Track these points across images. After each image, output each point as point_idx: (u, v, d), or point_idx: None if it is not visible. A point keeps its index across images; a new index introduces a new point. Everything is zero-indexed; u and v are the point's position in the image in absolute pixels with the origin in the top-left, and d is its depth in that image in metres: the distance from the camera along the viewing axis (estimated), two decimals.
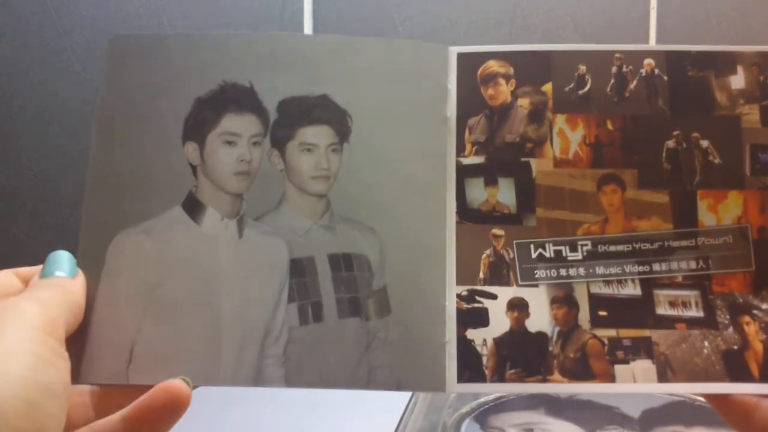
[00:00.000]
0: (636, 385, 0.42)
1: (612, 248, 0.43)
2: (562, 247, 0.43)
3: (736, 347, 0.42)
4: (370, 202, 0.42)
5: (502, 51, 0.44)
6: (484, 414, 0.72)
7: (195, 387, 0.38)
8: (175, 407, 0.35)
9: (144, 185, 0.40)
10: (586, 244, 0.43)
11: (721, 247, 0.42)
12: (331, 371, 0.41)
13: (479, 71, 0.44)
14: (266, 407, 0.80)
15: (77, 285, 0.38)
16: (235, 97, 0.41)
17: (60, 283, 0.37)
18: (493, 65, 0.44)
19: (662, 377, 0.42)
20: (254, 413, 0.79)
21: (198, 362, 0.39)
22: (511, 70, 0.44)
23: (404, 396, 0.79)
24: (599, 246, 0.43)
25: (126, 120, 0.41)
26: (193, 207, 0.40)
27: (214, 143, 0.41)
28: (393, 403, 0.78)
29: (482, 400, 0.74)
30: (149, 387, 0.36)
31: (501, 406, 0.73)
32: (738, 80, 0.43)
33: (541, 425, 0.69)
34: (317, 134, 0.42)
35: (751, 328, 0.42)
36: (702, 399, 0.70)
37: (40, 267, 0.38)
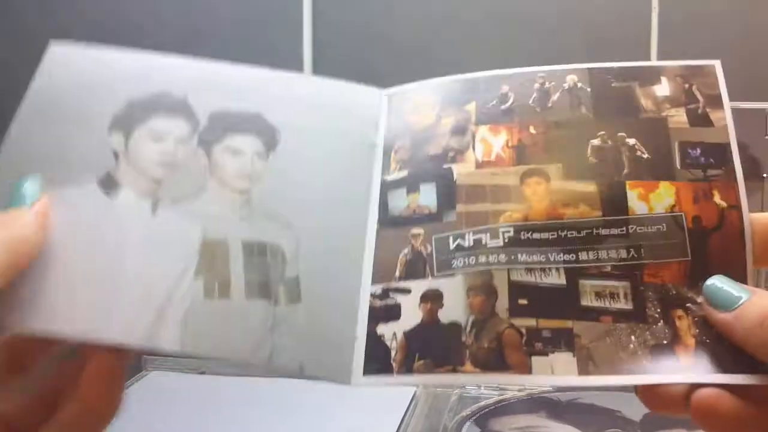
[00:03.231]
0: (553, 377, 0.36)
1: (536, 235, 0.40)
2: (482, 235, 0.41)
3: (665, 342, 0.36)
4: (292, 201, 0.44)
5: (429, 86, 0.47)
6: (484, 417, 0.72)
7: (82, 344, 0.37)
8: None
9: (62, 164, 0.42)
10: (508, 231, 0.40)
11: (654, 236, 0.39)
12: (230, 343, 0.39)
13: (407, 105, 0.47)
14: (267, 406, 0.83)
15: (23, 217, 0.38)
16: (168, 104, 0.44)
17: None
18: (418, 98, 0.47)
19: (583, 370, 0.36)
20: (253, 412, 0.81)
21: (87, 315, 0.39)
22: (438, 99, 0.46)
23: (405, 398, 0.81)
24: (522, 233, 0.40)
25: (52, 108, 0.44)
26: (109, 184, 0.42)
27: (141, 137, 0.43)
28: (394, 405, 0.79)
29: (483, 403, 0.73)
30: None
31: (502, 409, 0.73)
32: (663, 89, 0.43)
33: (542, 428, 0.69)
34: (245, 142, 0.44)
35: (684, 323, 0.36)
36: None
37: None
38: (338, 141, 0.46)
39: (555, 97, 0.44)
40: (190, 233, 0.42)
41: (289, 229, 0.43)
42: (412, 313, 0.40)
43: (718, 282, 0.36)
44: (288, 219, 0.43)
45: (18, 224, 0.37)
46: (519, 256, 0.40)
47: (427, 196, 0.43)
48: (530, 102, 0.44)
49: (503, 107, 0.45)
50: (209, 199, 0.43)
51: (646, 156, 0.41)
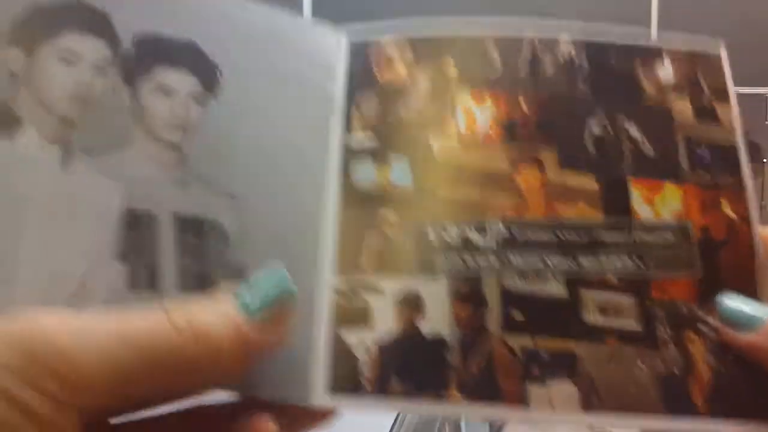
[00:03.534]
0: (554, 414, 0.31)
1: (531, 235, 0.34)
2: (470, 232, 0.34)
3: (676, 371, 0.32)
4: (234, 165, 0.34)
5: (398, 35, 0.38)
6: None
7: None
8: None
9: None
10: (499, 228, 0.34)
11: (660, 246, 0.34)
12: None
13: (373, 53, 0.38)
14: None
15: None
16: (83, 16, 0.33)
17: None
18: (388, 44, 0.38)
19: (587, 404, 0.31)
20: None
21: None
22: (409, 51, 0.38)
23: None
24: (515, 231, 0.34)
25: None
26: (5, 119, 0.31)
27: (47, 57, 0.32)
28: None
29: None
30: None
31: None
32: (666, 72, 0.38)
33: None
34: (178, 79, 0.34)
35: (697, 348, 0.32)
36: None
37: None
38: (289, 88, 0.36)
39: (547, 66, 0.38)
40: (111, 197, 0.32)
41: (232, 201, 0.34)
42: (385, 320, 0.32)
43: (734, 301, 0.32)
44: (229, 186, 0.34)
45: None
46: (512, 258, 0.33)
47: (401, 173, 0.35)
48: (519, 68, 0.37)
49: (489, 70, 0.37)
50: (133, 153, 0.33)
51: (649, 150, 0.36)
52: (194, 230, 0.32)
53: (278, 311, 0.27)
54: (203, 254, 0.32)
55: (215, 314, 0.26)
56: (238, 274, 0.32)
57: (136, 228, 0.31)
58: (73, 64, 0.33)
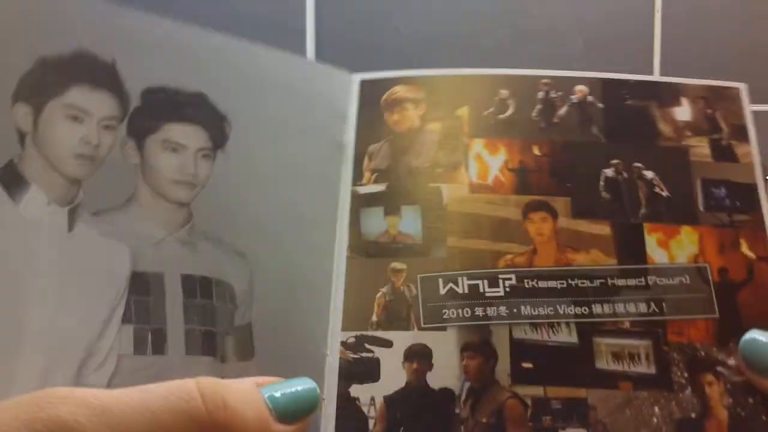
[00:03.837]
0: None
1: (542, 284, 0.34)
2: (479, 281, 0.34)
3: (694, 415, 0.31)
4: (243, 221, 0.35)
5: (411, 76, 0.39)
6: None
7: None
8: None
9: None
10: (510, 278, 0.34)
11: (676, 289, 0.34)
12: None
13: (384, 97, 0.39)
14: None
15: None
16: (91, 70, 0.34)
17: None
18: (399, 90, 0.39)
19: None
20: None
21: None
22: (421, 95, 0.39)
23: None
24: (526, 281, 0.34)
25: None
26: (12, 180, 0.31)
27: (55, 113, 0.33)
28: None
29: None
30: None
31: None
32: (683, 112, 0.38)
33: None
34: (187, 134, 0.35)
35: (714, 390, 0.32)
36: None
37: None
38: (301, 136, 0.37)
39: (562, 111, 0.38)
40: (118, 260, 0.32)
41: (240, 260, 0.34)
42: (394, 373, 0.33)
43: (756, 341, 0.31)
44: (238, 244, 0.34)
45: None
46: (522, 308, 0.34)
47: (411, 222, 0.36)
48: (533, 114, 0.38)
49: (501, 117, 0.38)
50: (141, 213, 0.34)
51: (665, 194, 0.36)
52: (202, 291, 0.33)
53: (302, 417, 0.26)
54: (211, 315, 0.33)
55: (246, 404, 0.25)
56: (244, 334, 0.33)
57: (144, 291, 0.32)
58: (81, 121, 0.33)
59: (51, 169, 0.32)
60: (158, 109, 0.34)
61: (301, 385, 0.26)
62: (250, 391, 0.25)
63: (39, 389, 0.30)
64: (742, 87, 0.38)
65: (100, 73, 0.34)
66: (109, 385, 0.31)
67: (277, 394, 0.25)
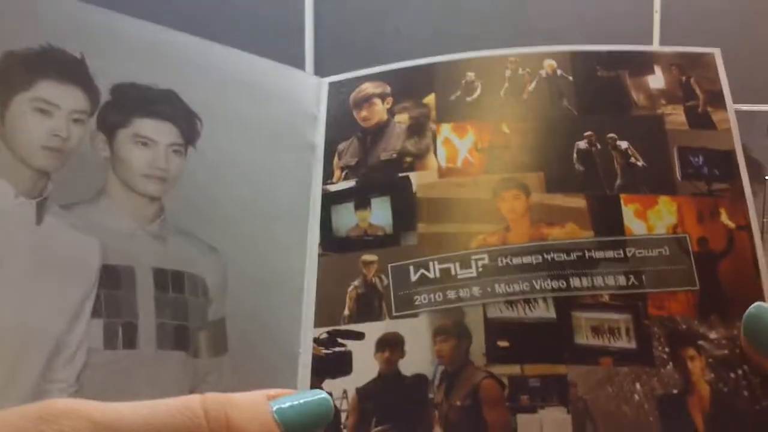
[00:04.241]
0: None
1: (516, 260, 0.33)
2: (451, 265, 0.33)
3: (676, 391, 0.30)
4: (215, 217, 0.35)
5: (377, 72, 0.39)
6: None
7: None
8: None
9: None
10: (483, 258, 0.33)
11: (656, 260, 0.33)
12: None
13: (352, 96, 0.39)
14: None
15: None
16: (59, 64, 0.34)
17: None
18: (367, 87, 0.39)
19: (580, 430, 0.30)
20: None
21: None
22: (388, 89, 0.38)
23: None
24: (499, 259, 0.33)
25: None
26: None
27: (22, 106, 0.33)
28: None
29: None
30: None
31: None
32: (657, 80, 0.37)
33: None
34: (158, 129, 0.35)
35: (696, 365, 0.31)
36: None
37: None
38: (271, 136, 0.37)
39: (531, 86, 0.37)
40: (88, 253, 0.32)
41: (213, 254, 0.34)
42: (366, 364, 0.32)
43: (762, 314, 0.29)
44: (210, 239, 0.34)
45: None
46: (497, 287, 0.33)
47: (381, 214, 0.35)
48: (501, 93, 0.37)
49: (469, 99, 0.37)
50: (111, 207, 0.33)
51: (641, 163, 0.35)
52: (174, 285, 0.33)
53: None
54: (183, 309, 0.32)
55: (252, 421, 0.24)
56: (217, 329, 0.33)
57: (114, 284, 0.32)
58: (49, 114, 0.33)
59: (19, 161, 0.32)
60: (129, 104, 0.35)
61: (313, 396, 0.25)
62: (258, 407, 0.24)
63: (7, 383, 0.29)
64: (717, 52, 0.37)
65: (69, 68, 0.34)
66: (79, 379, 0.31)
67: (287, 408, 0.25)
